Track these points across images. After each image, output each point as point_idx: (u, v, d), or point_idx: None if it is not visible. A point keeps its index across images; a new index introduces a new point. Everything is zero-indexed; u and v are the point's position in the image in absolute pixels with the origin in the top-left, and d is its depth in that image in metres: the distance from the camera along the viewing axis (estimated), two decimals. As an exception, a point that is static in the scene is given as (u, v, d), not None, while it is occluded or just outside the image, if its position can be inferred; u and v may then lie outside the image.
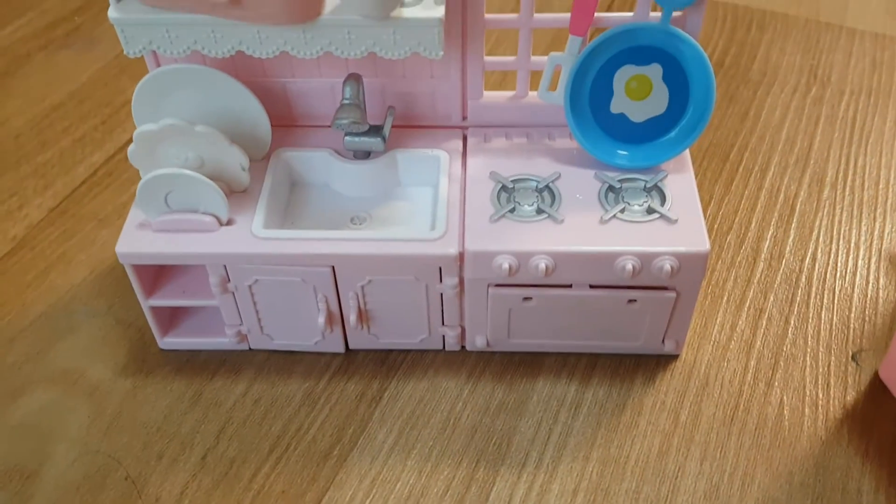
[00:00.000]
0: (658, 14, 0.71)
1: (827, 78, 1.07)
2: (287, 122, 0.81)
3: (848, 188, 0.94)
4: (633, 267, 0.69)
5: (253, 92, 0.74)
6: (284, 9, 0.63)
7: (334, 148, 0.79)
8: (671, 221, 0.71)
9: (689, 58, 0.72)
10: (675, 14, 0.72)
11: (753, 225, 0.90)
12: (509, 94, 0.80)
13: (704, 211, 0.91)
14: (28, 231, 0.92)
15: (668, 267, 0.69)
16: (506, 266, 0.70)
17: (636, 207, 0.73)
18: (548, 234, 0.71)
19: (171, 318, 0.80)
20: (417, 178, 0.79)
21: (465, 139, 0.81)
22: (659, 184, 0.74)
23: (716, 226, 0.90)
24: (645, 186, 0.74)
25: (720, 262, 0.87)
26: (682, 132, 0.75)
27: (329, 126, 0.80)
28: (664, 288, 0.72)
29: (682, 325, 0.75)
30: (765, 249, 0.87)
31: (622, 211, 0.72)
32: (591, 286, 0.72)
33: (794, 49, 1.12)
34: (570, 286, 0.72)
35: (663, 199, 0.73)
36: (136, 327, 0.82)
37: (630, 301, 0.73)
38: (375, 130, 0.77)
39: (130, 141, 1.01)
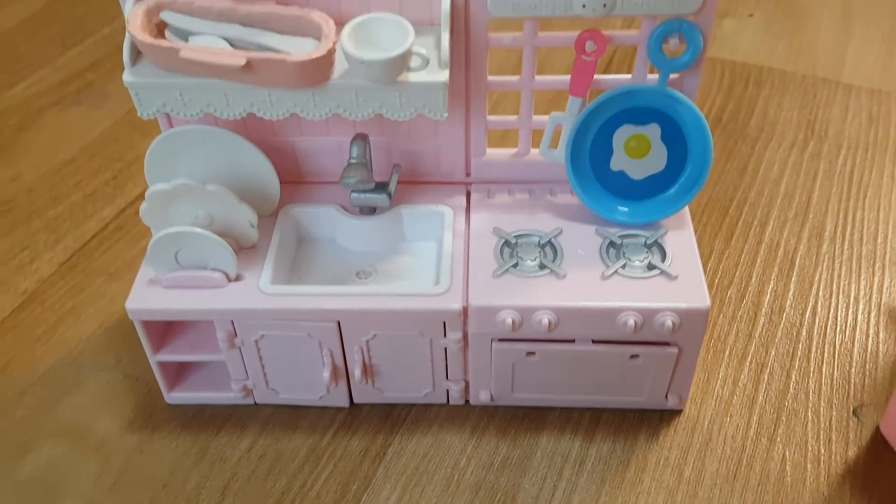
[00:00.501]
0: (656, 76, 0.73)
1: (824, 133, 1.09)
2: (295, 178, 0.83)
3: (847, 242, 0.95)
4: (635, 322, 0.70)
5: (262, 150, 0.76)
6: (296, 74, 0.65)
7: (341, 204, 0.81)
8: (672, 277, 0.72)
9: (687, 119, 0.74)
10: (673, 76, 0.74)
11: (754, 279, 0.91)
12: (511, 151, 0.82)
13: (705, 265, 0.92)
14: (38, 285, 0.93)
15: (669, 323, 0.70)
16: (509, 321, 0.71)
17: (637, 263, 0.74)
18: (550, 289, 0.72)
19: (178, 372, 0.81)
20: (422, 233, 0.81)
21: (468, 195, 0.82)
22: (659, 240, 0.76)
23: (716, 280, 0.91)
24: (645, 242, 0.76)
25: (721, 315, 0.88)
26: (680, 190, 0.76)
27: (336, 182, 0.82)
28: (666, 343, 0.73)
29: (685, 381, 0.76)
30: (765, 303, 0.88)
31: (623, 267, 0.73)
32: (594, 341, 0.73)
33: (791, 104, 1.14)
34: (573, 341, 0.73)
35: (664, 256, 0.74)
36: (144, 381, 0.83)
37: (633, 356, 0.73)
38: (381, 187, 0.79)
39: (141, 196, 1.04)
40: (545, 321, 0.70)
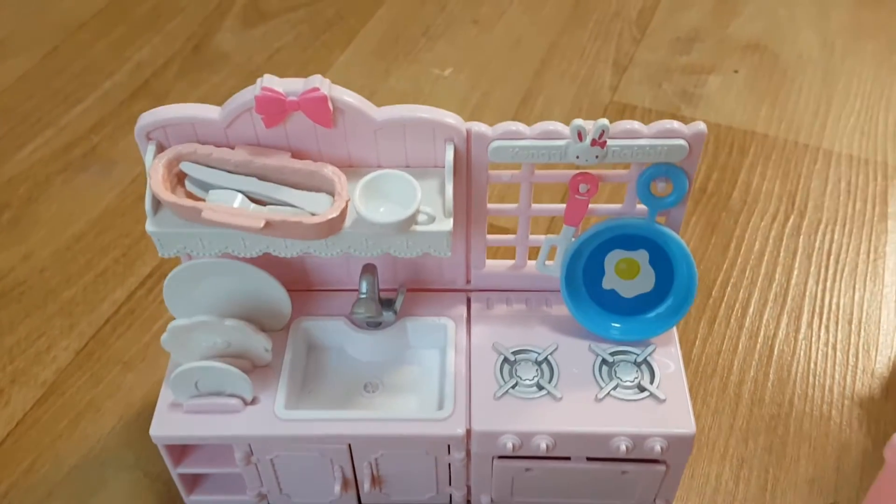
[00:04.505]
0: (644, 207, 0.78)
1: (804, 205, 1.14)
2: (304, 286, 0.87)
3: (823, 327, 1.01)
4: (627, 447, 0.76)
5: (273, 263, 0.80)
6: (311, 232, 0.69)
7: (349, 316, 0.85)
8: (660, 401, 0.78)
9: (674, 251, 0.79)
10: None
11: (735, 367, 0.97)
12: (509, 262, 0.87)
13: (689, 353, 0.98)
14: (57, 376, 0.98)
15: (658, 448, 0.75)
16: (510, 445, 0.76)
17: (628, 383, 0.79)
18: (548, 412, 0.77)
19: (197, 476, 0.86)
20: (426, 342, 0.86)
21: (468, 302, 0.87)
22: (648, 358, 0.81)
23: (700, 368, 0.97)
24: (636, 360, 0.81)
25: (705, 406, 0.94)
26: (668, 311, 0.81)
27: (344, 290, 0.86)
28: (655, 461, 0.78)
29: (672, 487, 0.82)
30: (745, 394, 0.94)
31: (615, 388, 0.79)
32: (588, 458, 0.79)
33: (773, 174, 1.19)
34: (569, 458, 0.79)
35: (652, 376, 0.80)
36: (163, 480, 0.88)
37: (623, 472, 0.79)
38: (387, 304, 0.83)
39: (150, 275, 1.08)
40: (543, 445, 0.76)
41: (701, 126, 0.72)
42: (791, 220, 1.13)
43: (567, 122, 0.72)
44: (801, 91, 1.31)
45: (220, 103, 0.73)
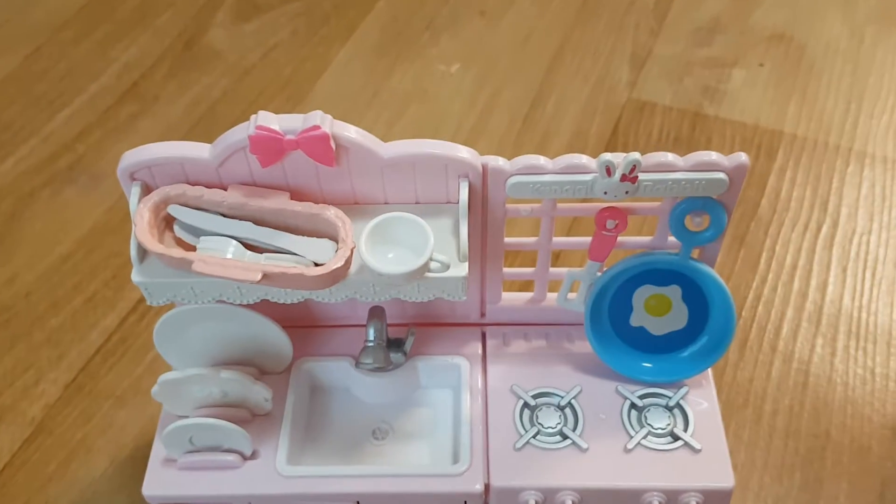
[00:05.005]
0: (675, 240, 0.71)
1: (837, 213, 1.07)
2: (306, 323, 0.81)
3: (860, 350, 0.94)
4: (660, 503, 0.70)
5: (273, 305, 0.73)
6: (313, 284, 0.62)
7: (353, 355, 0.79)
8: (695, 451, 0.72)
9: (710, 287, 0.72)
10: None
11: (769, 395, 0.91)
12: (527, 295, 0.80)
13: (718, 380, 0.92)
14: (46, 412, 0.92)
15: (693, 503, 0.70)
16: (532, 503, 0.70)
17: (660, 430, 0.73)
18: (573, 465, 0.71)
19: (196, 527, 0.81)
20: (438, 381, 0.80)
21: (483, 338, 0.81)
22: (681, 401, 0.75)
23: (731, 397, 0.91)
24: (667, 405, 0.75)
25: (737, 440, 0.88)
26: (704, 349, 0.75)
27: (348, 326, 0.80)
28: (688, 513, 0.73)
29: (705, 537, 0.76)
30: (780, 425, 0.88)
31: (646, 436, 0.73)
32: (616, 512, 0.73)
33: (803, 179, 1.11)
34: (595, 512, 0.73)
35: (686, 421, 0.74)
36: (161, 530, 0.82)
37: (654, 526, 0.73)
38: (396, 344, 0.77)
39: (141, 300, 1.02)
40: (569, 502, 0.70)
41: (743, 158, 0.65)
42: (823, 230, 1.06)
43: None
44: (830, 86, 1.23)
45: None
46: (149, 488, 0.71)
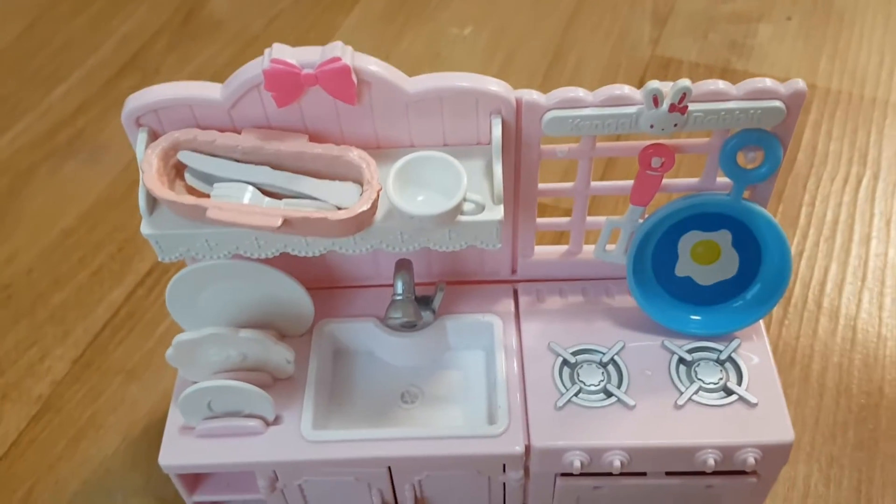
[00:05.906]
0: (725, 180, 0.66)
1: (877, 166, 1.02)
2: (328, 283, 0.76)
3: (911, 303, 0.89)
4: (715, 460, 0.65)
5: (292, 262, 0.68)
6: (338, 229, 0.57)
7: (378, 316, 0.74)
8: (751, 405, 0.67)
9: (763, 229, 0.67)
10: (748, 184, 0.67)
11: (817, 353, 0.86)
12: (562, 248, 0.75)
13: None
14: (53, 388, 0.87)
15: (751, 460, 0.65)
16: (577, 464, 0.65)
17: (711, 385, 0.68)
18: (620, 423, 0.66)
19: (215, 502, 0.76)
20: (468, 342, 0.75)
21: (515, 295, 0.76)
22: (733, 354, 0.70)
23: (777, 355, 0.85)
24: (718, 358, 0.70)
25: (786, 399, 0.82)
26: (755, 300, 0.70)
27: (372, 286, 0.75)
28: (744, 472, 0.68)
29: (759, 498, 0.71)
30: (830, 383, 0.83)
31: (697, 392, 0.68)
32: (668, 473, 0.68)
33: (839, 132, 1.06)
34: (645, 474, 0.68)
35: (740, 375, 0.69)
36: (178, 508, 0.78)
37: (708, 486, 0.68)
38: (424, 302, 0.72)
39: (150, 272, 0.97)
40: (617, 462, 0.65)
41: (800, 84, 0.60)
42: (864, 183, 1.01)
43: (604, 82, 0.61)
44: (863, 38, 1.18)
45: (216, 78, 0.61)
46: (165, 458, 0.66)
